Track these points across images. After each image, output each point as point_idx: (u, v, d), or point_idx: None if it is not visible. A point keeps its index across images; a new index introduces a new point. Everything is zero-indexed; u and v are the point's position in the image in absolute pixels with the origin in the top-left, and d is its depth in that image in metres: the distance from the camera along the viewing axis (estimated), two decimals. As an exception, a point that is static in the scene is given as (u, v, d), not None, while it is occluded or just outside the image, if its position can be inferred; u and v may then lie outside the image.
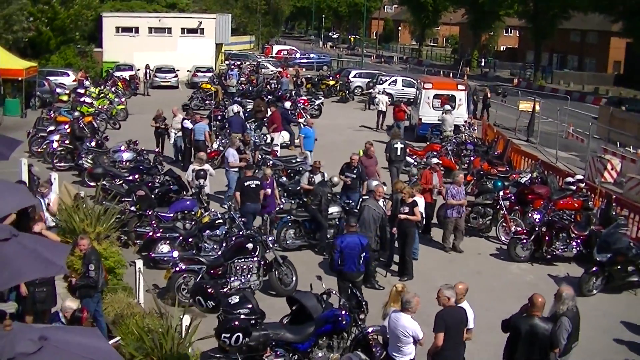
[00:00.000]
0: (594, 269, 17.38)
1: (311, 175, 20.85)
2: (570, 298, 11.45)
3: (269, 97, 41.41)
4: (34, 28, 48.32)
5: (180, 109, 33.19)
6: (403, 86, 51.21)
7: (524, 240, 19.39)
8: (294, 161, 25.61)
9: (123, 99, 41.56)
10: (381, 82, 51.59)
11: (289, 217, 19.46)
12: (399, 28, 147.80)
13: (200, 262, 15.61)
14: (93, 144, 26.34)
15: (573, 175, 24.51)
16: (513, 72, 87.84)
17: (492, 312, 14.79)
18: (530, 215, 20.45)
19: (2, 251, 8.35)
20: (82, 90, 39.83)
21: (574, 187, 22.36)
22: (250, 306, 12.14)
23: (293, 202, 21.37)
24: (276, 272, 16.25)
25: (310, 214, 19.29)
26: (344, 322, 12.33)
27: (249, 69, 59.99)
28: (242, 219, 17.83)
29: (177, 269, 15.30)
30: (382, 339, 12.18)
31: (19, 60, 39.38)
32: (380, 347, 12.29)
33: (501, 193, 21.38)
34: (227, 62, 65.02)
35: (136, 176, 22.42)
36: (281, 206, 20.31)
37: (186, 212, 19.26)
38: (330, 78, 55.94)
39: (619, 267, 17.42)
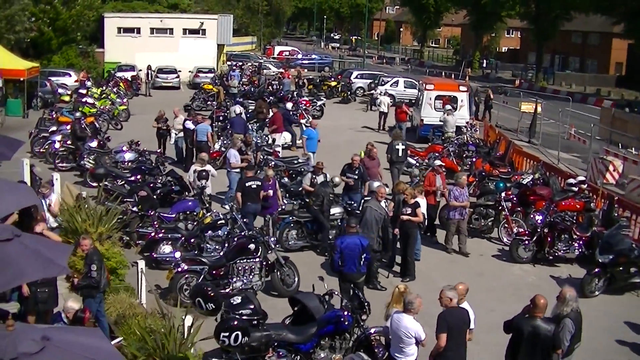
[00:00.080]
0: (596, 270, 17.36)
1: (313, 176, 20.84)
2: (573, 299, 11.46)
3: (270, 98, 41.43)
4: (36, 28, 48.41)
5: (181, 109, 33.19)
6: (405, 87, 51.17)
7: (526, 242, 19.37)
8: (295, 162, 25.62)
9: (125, 100, 41.55)
10: (383, 83, 51.63)
11: (291, 218, 19.45)
12: (401, 29, 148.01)
13: (202, 263, 15.61)
14: (95, 144, 26.33)
15: (575, 176, 24.46)
16: (515, 73, 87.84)
17: (494, 313, 14.81)
18: (532, 216, 20.42)
19: (4, 251, 8.34)
20: (84, 91, 39.90)
21: (575, 189, 22.33)
22: (252, 307, 12.14)
23: (295, 203, 21.38)
24: (278, 273, 16.25)
25: (312, 214, 19.29)
26: (346, 323, 12.32)
27: (250, 70, 60.05)
28: (245, 220, 17.84)
29: (179, 269, 15.29)
30: (385, 340, 12.18)
31: (21, 61, 39.42)
32: (382, 348, 12.28)
33: (503, 194, 21.34)
34: (228, 63, 65.08)
35: (138, 177, 22.43)
36: (283, 207, 20.31)
37: (188, 212, 19.24)
38: (332, 79, 55.98)
39: (621, 268, 17.40)
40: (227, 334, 11.27)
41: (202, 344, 11.78)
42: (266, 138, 29.37)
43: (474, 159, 28.13)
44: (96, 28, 59.21)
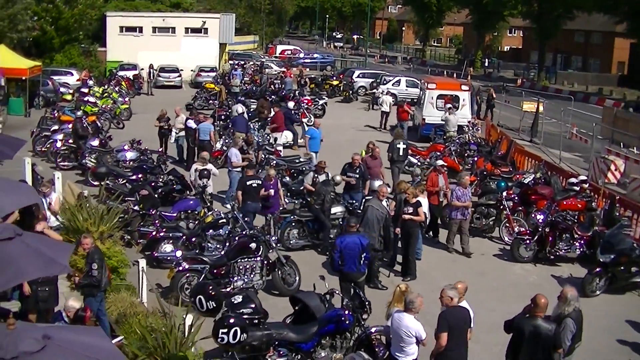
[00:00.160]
0: (598, 269, 17.35)
1: (316, 176, 20.84)
2: (574, 299, 11.46)
3: (272, 97, 41.45)
4: (39, 27, 48.49)
5: (183, 108, 33.19)
6: (407, 86, 51.12)
7: (527, 241, 19.36)
8: (297, 161, 25.62)
9: (127, 99, 41.60)
10: (385, 82, 51.59)
11: (292, 217, 19.46)
12: (403, 28, 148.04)
13: (203, 262, 15.62)
14: (96, 143, 26.35)
15: (576, 175, 24.48)
16: (517, 72, 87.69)
17: (495, 313, 14.81)
18: (533, 215, 20.41)
19: (5, 250, 8.36)
20: (85, 90, 39.92)
21: (577, 188, 22.33)
22: (253, 306, 12.15)
23: (296, 202, 21.40)
24: (279, 272, 16.25)
25: (313, 213, 19.30)
26: (347, 322, 12.34)
27: (252, 69, 60.03)
28: (246, 219, 17.85)
29: (180, 268, 15.31)
30: (385, 339, 12.19)
31: (23, 60, 39.48)
32: (383, 347, 12.30)
33: (504, 193, 21.33)
34: (230, 62, 65.09)
35: (139, 176, 22.45)
36: (284, 206, 20.31)
37: (189, 211, 19.26)
38: (334, 78, 55.95)
39: (622, 267, 17.39)
40: (225, 330, 11.27)
41: (202, 343, 11.79)
42: (268, 137, 29.36)
43: (476, 158, 28.13)
44: (98, 27, 59.24)
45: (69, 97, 40.51)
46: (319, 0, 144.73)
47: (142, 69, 54.59)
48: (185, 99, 43.06)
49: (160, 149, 27.95)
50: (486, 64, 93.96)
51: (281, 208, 20.03)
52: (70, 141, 26.91)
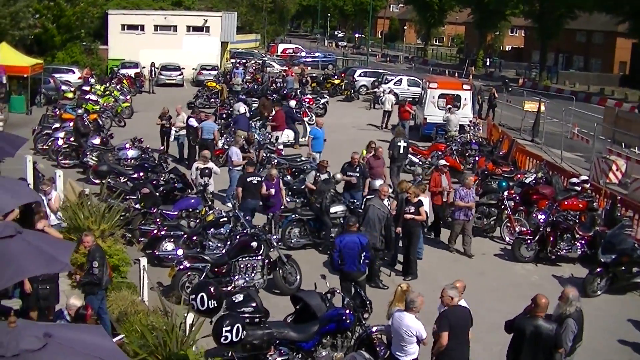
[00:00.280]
0: (599, 269, 17.34)
1: (318, 175, 20.84)
2: (576, 299, 11.46)
3: (274, 95, 41.47)
4: (40, 25, 48.48)
5: (184, 107, 33.18)
6: (408, 85, 51.14)
7: (529, 241, 19.36)
8: (298, 160, 25.61)
9: (128, 97, 41.58)
10: (386, 81, 51.55)
11: (293, 216, 19.46)
12: (405, 27, 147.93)
13: (204, 261, 15.62)
14: (98, 141, 26.35)
15: (578, 175, 24.47)
16: (518, 72, 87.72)
17: (496, 312, 14.81)
18: (534, 215, 20.40)
19: (7, 248, 8.38)
20: (87, 88, 39.93)
21: (578, 188, 22.32)
22: (254, 304, 12.15)
23: (297, 200, 21.41)
24: (280, 271, 16.25)
25: (314, 212, 19.30)
26: (348, 321, 12.33)
27: (254, 68, 60.01)
28: (247, 217, 17.85)
29: (182, 267, 15.31)
30: (386, 339, 12.19)
31: (24, 58, 39.51)
32: (384, 346, 12.30)
33: (506, 193, 21.32)
34: (232, 61, 65.06)
35: (141, 174, 22.45)
36: (286, 205, 20.31)
37: (191, 210, 19.27)
38: (336, 77, 55.95)
39: (623, 268, 17.38)
40: (229, 329, 11.25)
41: (203, 342, 11.78)
42: (269, 136, 29.36)
43: (477, 158, 28.14)
44: (100, 25, 59.25)
45: (70, 95, 40.42)
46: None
47: (144, 67, 54.61)
48: (187, 98, 43.08)
49: (161, 148, 27.97)
50: (488, 64, 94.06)
51: (282, 207, 20.03)
52: (72, 139, 26.91)
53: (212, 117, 29.45)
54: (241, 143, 23.76)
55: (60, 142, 27.00)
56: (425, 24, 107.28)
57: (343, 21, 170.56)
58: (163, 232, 17.58)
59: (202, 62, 58.17)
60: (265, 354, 11.79)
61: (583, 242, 19.22)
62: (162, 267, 16.77)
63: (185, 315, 11.52)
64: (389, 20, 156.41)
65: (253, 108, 35.61)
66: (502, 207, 21.08)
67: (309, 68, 68.75)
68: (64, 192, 18.93)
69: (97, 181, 22.83)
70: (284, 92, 44.09)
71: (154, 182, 20.95)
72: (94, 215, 16.41)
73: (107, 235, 16.19)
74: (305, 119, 34.92)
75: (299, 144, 31.59)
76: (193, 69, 57.99)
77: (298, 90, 44.60)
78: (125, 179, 22.09)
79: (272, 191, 19.30)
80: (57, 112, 31.68)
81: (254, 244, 15.92)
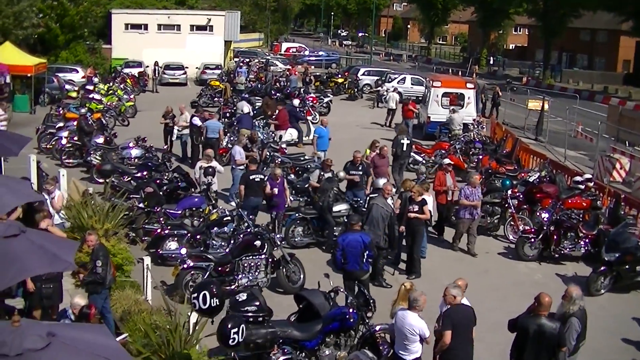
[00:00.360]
0: (602, 268, 17.34)
1: (322, 173, 20.83)
2: (579, 298, 11.46)
3: (277, 94, 41.46)
4: (43, 25, 48.47)
5: (188, 106, 33.18)
6: (412, 84, 51.12)
7: (532, 239, 19.35)
8: (302, 159, 25.62)
9: (132, 96, 41.57)
10: (390, 80, 51.52)
11: (297, 215, 19.47)
12: (408, 26, 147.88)
13: (208, 260, 15.62)
14: (101, 140, 26.38)
15: (582, 174, 24.45)
16: (522, 70, 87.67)
17: (499, 311, 14.80)
18: (538, 214, 20.41)
19: (11, 247, 8.38)
20: (91, 87, 39.99)
21: (582, 186, 22.31)
22: (257, 303, 12.14)
23: (301, 199, 21.42)
24: (284, 270, 16.26)
25: (318, 211, 19.30)
26: (351, 320, 12.33)
27: (257, 67, 59.93)
28: (251, 216, 17.86)
29: (185, 266, 15.32)
30: (390, 337, 12.19)
31: (28, 57, 39.53)
32: (387, 345, 12.29)
33: (509, 192, 21.31)
34: (235, 60, 65.05)
35: (144, 173, 22.46)
36: (289, 204, 20.31)
37: (194, 209, 19.28)
38: (339, 76, 55.93)
39: (627, 266, 17.37)
40: (236, 330, 11.25)
41: (207, 341, 11.80)
42: (272, 134, 29.37)
43: (481, 157, 28.11)
44: (103, 24, 59.27)
45: (74, 95, 40.50)
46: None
47: (147, 67, 54.70)
48: (190, 97, 43.08)
49: (165, 147, 27.98)
50: (491, 62, 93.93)
51: (287, 203, 20.05)
52: (75, 138, 26.93)
53: (216, 116, 29.46)
54: (244, 142, 23.74)
55: (64, 141, 27.03)
56: (429, 23, 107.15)
57: (346, 20, 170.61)
58: (167, 231, 17.60)
59: (206, 61, 58.20)
60: (269, 352, 11.79)
61: (587, 240, 19.21)
62: (166, 266, 16.77)
63: (189, 314, 11.53)
64: (393, 19, 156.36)
65: (256, 107, 35.58)
66: (506, 205, 21.08)
67: (313, 67, 68.70)
68: (68, 191, 18.95)
69: (100, 180, 22.81)
70: (288, 91, 44.06)
71: (158, 181, 20.95)
72: (97, 214, 16.43)
73: (111, 234, 16.21)
74: (309, 117, 34.88)
75: (302, 142, 31.59)
76: (196, 68, 58.06)
77: (301, 89, 44.54)
78: (129, 178, 22.08)
79: (276, 190, 19.30)
80: (61, 112, 31.71)
81: (258, 242, 15.92)
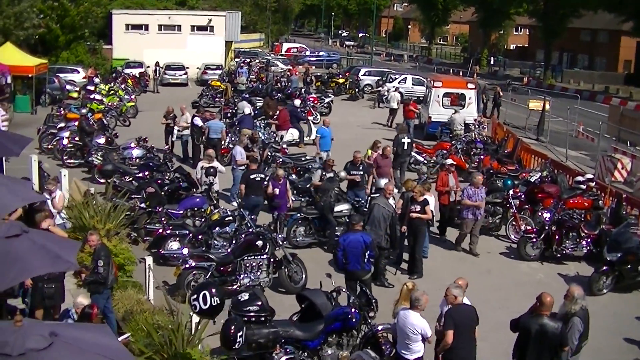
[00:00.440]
0: (604, 268, 17.33)
1: (323, 174, 20.82)
2: (581, 298, 11.44)
3: (278, 94, 41.48)
4: (44, 25, 48.50)
5: (189, 106, 33.18)
6: (413, 84, 51.09)
7: (534, 239, 19.33)
8: (303, 159, 25.61)
9: (133, 96, 41.61)
10: (391, 80, 51.55)
11: (298, 215, 19.47)
12: (409, 26, 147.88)
13: (209, 259, 15.62)
14: (103, 140, 26.38)
15: (583, 174, 24.44)
16: (523, 70, 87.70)
17: (501, 311, 14.80)
18: (540, 214, 20.41)
19: (13, 247, 8.38)
20: (92, 87, 40.01)
21: (584, 186, 22.30)
22: (259, 303, 12.13)
23: (302, 199, 21.41)
24: (286, 270, 16.26)
25: (319, 211, 19.29)
26: (353, 320, 12.33)
27: (258, 67, 59.94)
28: (252, 216, 17.85)
29: (187, 265, 15.32)
30: (392, 337, 12.18)
31: (29, 57, 39.55)
32: (389, 345, 12.28)
33: (511, 192, 21.30)
34: (236, 60, 65.08)
35: (146, 173, 22.46)
36: (291, 206, 20.30)
37: (196, 209, 19.27)
38: (340, 76, 55.99)
39: (629, 266, 17.35)
40: (241, 333, 11.26)
41: (209, 340, 11.79)
42: (273, 135, 29.36)
43: (482, 157, 28.09)
44: (104, 25, 59.32)
45: (75, 95, 40.54)
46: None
47: (148, 67, 54.72)
48: (191, 97, 43.12)
49: (166, 147, 27.97)
50: (492, 62, 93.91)
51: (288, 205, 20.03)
52: (77, 139, 26.95)
53: (217, 116, 29.47)
54: (245, 142, 23.73)
55: (65, 141, 27.05)
56: (430, 23, 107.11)
57: (347, 20, 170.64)
58: (168, 231, 17.59)
59: (207, 62, 58.23)
60: (271, 352, 11.79)
61: (588, 240, 19.19)
62: (168, 266, 16.77)
63: (191, 314, 11.52)
64: (393, 19, 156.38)
65: (257, 107, 35.58)
66: (508, 205, 21.06)
67: (313, 67, 68.69)
68: (70, 191, 18.94)
69: (102, 180, 22.81)
70: (289, 91, 44.07)
71: (159, 181, 20.95)
72: (99, 215, 16.43)
73: (113, 234, 16.22)
74: (310, 118, 34.88)
75: (303, 142, 31.58)
76: (197, 68, 58.11)
77: (302, 90, 44.55)
78: (131, 178, 22.09)
79: (277, 191, 19.28)
80: (62, 112, 31.70)
81: (260, 242, 15.91)
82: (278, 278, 16.23)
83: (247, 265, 15.67)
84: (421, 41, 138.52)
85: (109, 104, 36.50)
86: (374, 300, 13.06)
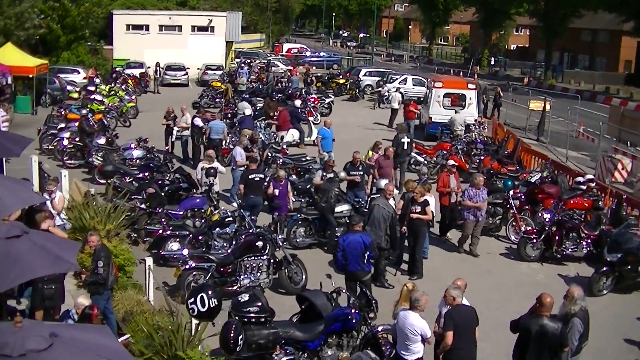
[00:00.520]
0: (604, 269, 17.32)
1: (324, 174, 20.83)
2: (581, 298, 11.44)
3: (279, 95, 41.47)
4: (45, 25, 48.54)
5: (189, 107, 33.18)
6: (413, 85, 51.05)
7: (534, 240, 19.33)
8: (303, 159, 25.61)
9: (133, 97, 41.65)
10: (391, 80, 51.56)
11: (299, 215, 19.47)
12: (409, 26, 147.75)
13: (209, 260, 15.62)
14: (103, 141, 26.38)
15: (583, 174, 24.44)
16: (523, 71, 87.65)
17: (502, 311, 14.80)
18: (540, 214, 20.40)
19: (13, 248, 8.39)
20: (92, 88, 39.99)
21: (584, 187, 22.30)
22: (259, 304, 12.13)
23: (303, 200, 21.41)
24: (286, 271, 16.26)
25: (319, 212, 19.30)
26: (353, 321, 12.33)
27: (259, 67, 59.93)
28: (252, 217, 17.86)
29: (187, 266, 15.32)
30: (392, 338, 12.18)
31: (30, 58, 39.55)
32: (389, 345, 12.29)
33: (511, 192, 21.29)
34: (237, 60, 65.07)
35: (146, 174, 22.48)
36: (292, 208, 20.31)
37: (196, 210, 19.27)
38: (341, 76, 55.94)
39: (629, 267, 17.34)
40: (241, 336, 11.26)
41: (209, 341, 11.79)
42: (274, 135, 29.36)
43: (482, 157, 28.08)
44: (105, 25, 59.27)
45: (75, 95, 40.52)
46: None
47: (149, 67, 54.68)
48: (192, 97, 43.09)
49: (166, 148, 27.97)
50: (493, 63, 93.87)
51: (289, 206, 20.04)
52: (77, 139, 26.95)
53: (218, 116, 29.47)
54: (245, 143, 23.74)
55: (65, 142, 27.04)
56: (430, 23, 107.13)
57: (348, 21, 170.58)
58: (168, 232, 17.60)
59: (207, 62, 58.20)
60: (271, 353, 11.80)
61: (589, 241, 19.18)
62: (168, 266, 16.76)
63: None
64: (394, 20, 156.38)
65: (258, 108, 35.58)
66: (508, 206, 21.06)
67: (314, 68, 68.71)
68: (70, 192, 18.95)
69: (102, 181, 22.83)
70: (289, 91, 44.05)
71: (160, 182, 20.96)
72: (99, 215, 16.44)
73: (113, 235, 16.22)
74: (310, 118, 34.89)
75: (304, 143, 31.58)
76: (198, 68, 58.09)
77: (303, 90, 44.52)
78: (131, 179, 22.11)
79: (277, 192, 19.30)
80: (63, 112, 31.70)
81: (260, 243, 15.91)
82: (278, 279, 16.23)
83: (247, 266, 15.67)
84: (422, 41, 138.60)
85: (110, 104, 36.50)
86: (374, 301, 13.06)
